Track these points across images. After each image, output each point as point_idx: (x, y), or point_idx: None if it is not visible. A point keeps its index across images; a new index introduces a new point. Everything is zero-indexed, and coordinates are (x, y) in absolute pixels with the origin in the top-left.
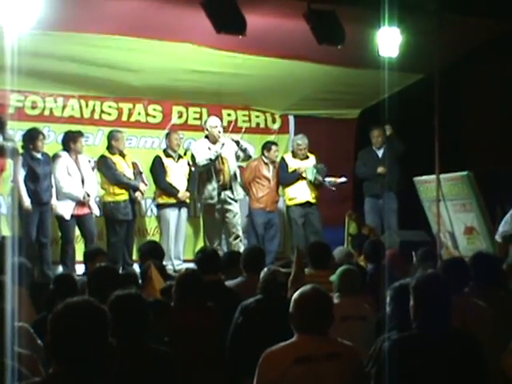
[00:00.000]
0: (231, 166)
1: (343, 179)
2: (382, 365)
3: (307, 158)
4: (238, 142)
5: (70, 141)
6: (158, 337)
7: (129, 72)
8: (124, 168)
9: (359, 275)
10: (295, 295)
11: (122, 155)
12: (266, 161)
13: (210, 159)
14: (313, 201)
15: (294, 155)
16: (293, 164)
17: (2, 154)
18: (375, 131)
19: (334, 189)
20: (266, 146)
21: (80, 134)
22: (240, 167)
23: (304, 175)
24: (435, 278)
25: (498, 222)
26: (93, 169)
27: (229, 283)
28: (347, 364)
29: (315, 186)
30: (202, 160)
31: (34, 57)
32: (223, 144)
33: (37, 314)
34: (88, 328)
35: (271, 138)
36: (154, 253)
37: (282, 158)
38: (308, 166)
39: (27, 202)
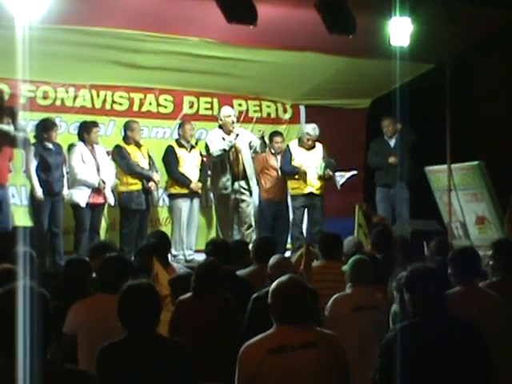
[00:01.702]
0: (245, 156)
1: (353, 172)
2: (385, 353)
3: (313, 147)
4: (265, 143)
5: (83, 131)
6: None
7: (139, 61)
8: (139, 158)
9: (371, 265)
10: (272, 286)
11: (138, 146)
12: (273, 151)
13: (224, 149)
14: (316, 192)
15: (301, 144)
16: (297, 153)
17: (13, 144)
18: (385, 121)
19: (339, 185)
20: (270, 137)
21: (94, 124)
22: (252, 157)
23: (305, 171)
24: (425, 271)
25: None
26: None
27: (240, 272)
28: (324, 352)
29: (323, 179)
30: (216, 150)
31: (45, 48)
32: (237, 134)
33: None
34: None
35: (282, 127)
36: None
37: (287, 146)
38: (314, 159)
39: (39, 192)
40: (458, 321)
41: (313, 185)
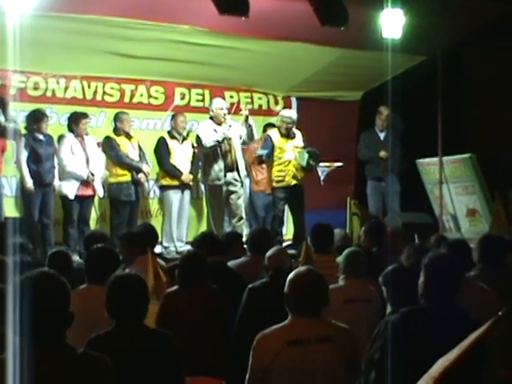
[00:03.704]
0: (237, 147)
1: (338, 164)
2: (387, 337)
3: (294, 137)
4: (251, 126)
5: (72, 122)
6: None
7: (130, 50)
8: (129, 149)
9: (365, 257)
10: (290, 276)
11: (128, 137)
12: None
13: (218, 141)
14: (298, 183)
15: (280, 132)
16: (279, 143)
17: (3, 134)
18: (383, 114)
19: (323, 179)
20: (264, 128)
21: (83, 115)
22: (243, 149)
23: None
24: (447, 258)
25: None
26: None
27: (231, 263)
28: (339, 347)
29: (305, 170)
30: (209, 142)
31: (36, 37)
32: (230, 126)
33: None
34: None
35: (273, 119)
36: (147, 235)
37: (268, 136)
38: (295, 149)
39: (30, 183)
40: (461, 312)
41: (296, 176)
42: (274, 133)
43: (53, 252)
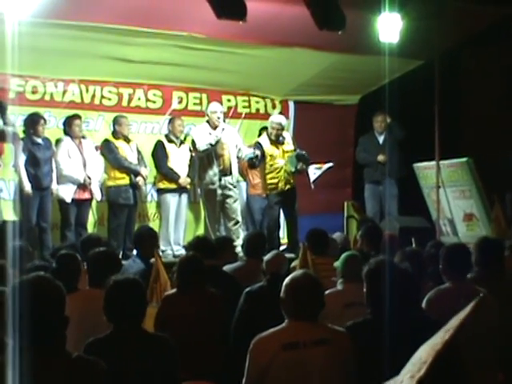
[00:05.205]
0: (231, 151)
1: (329, 164)
2: None
3: (283, 143)
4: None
5: (66, 125)
6: None
7: (129, 55)
8: (127, 153)
9: (363, 261)
10: (286, 280)
11: (127, 140)
12: None
13: (211, 144)
14: (291, 187)
15: (270, 138)
16: (270, 151)
17: (2, 138)
18: (379, 116)
19: (312, 181)
20: (260, 132)
21: (75, 116)
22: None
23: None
24: (385, 266)
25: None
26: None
27: (227, 268)
28: (336, 351)
29: (296, 174)
30: (202, 145)
31: (34, 43)
32: (223, 129)
33: None
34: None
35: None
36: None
37: (258, 143)
38: (287, 154)
39: (28, 186)
40: (417, 319)
41: (289, 180)
42: (264, 139)
43: (62, 254)
